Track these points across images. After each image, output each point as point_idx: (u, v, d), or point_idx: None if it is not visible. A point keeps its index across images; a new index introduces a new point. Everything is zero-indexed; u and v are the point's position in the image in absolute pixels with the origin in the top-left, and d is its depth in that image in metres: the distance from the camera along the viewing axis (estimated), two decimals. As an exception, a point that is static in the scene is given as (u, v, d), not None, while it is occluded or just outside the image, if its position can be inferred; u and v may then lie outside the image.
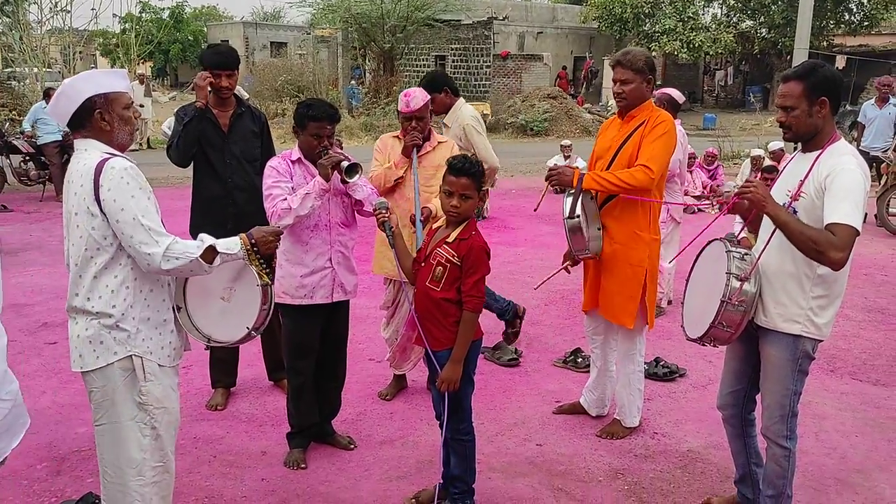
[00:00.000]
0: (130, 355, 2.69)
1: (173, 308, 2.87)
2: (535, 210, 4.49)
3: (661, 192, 4.17)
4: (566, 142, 13.20)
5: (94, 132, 2.71)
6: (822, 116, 3.05)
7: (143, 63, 25.29)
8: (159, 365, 2.76)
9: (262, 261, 2.90)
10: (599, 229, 4.12)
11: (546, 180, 4.12)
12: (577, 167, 4.21)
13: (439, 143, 4.52)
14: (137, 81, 18.54)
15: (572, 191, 3.98)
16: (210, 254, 2.72)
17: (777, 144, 11.10)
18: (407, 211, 4.38)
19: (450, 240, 3.28)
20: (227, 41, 32.85)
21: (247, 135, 4.49)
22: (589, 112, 25.11)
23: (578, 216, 3.95)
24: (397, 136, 4.52)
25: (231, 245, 2.81)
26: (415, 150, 4.35)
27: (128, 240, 2.61)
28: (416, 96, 4.39)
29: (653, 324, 4.25)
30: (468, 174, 3.24)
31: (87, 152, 2.69)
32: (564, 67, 30.81)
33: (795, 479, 3.40)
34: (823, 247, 2.85)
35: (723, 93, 34.79)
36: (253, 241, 2.87)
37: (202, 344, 3.07)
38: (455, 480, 3.47)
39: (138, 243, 2.60)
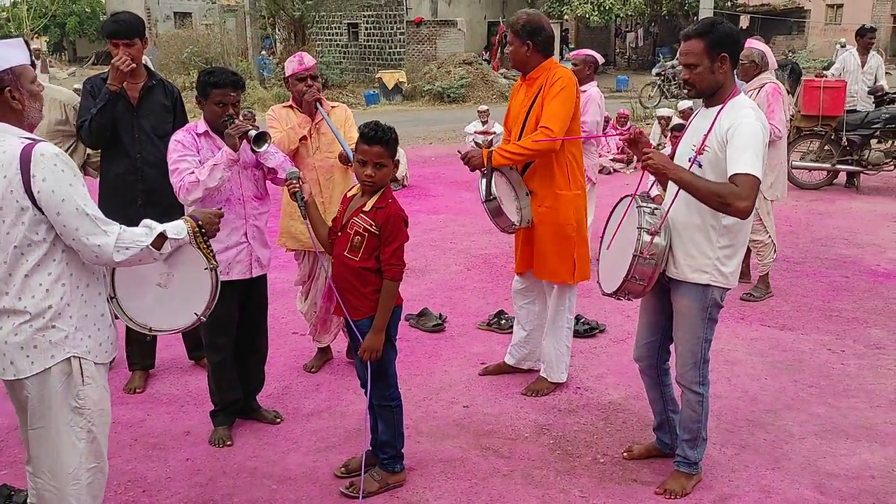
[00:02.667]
0: (69, 357, 2.51)
1: (107, 298, 2.71)
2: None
3: (579, 151, 4.24)
4: (483, 107, 13.19)
5: (2, 113, 2.48)
6: (724, 72, 3.14)
7: (37, 38, 24.04)
8: (96, 364, 2.59)
9: (207, 243, 2.79)
10: (528, 194, 4.19)
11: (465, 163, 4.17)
12: (495, 132, 4.26)
13: (332, 107, 4.51)
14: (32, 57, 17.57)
15: (485, 171, 4.04)
16: (160, 240, 2.56)
17: (686, 104, 11.41)
18: (314, 181, 4.35)
19: (366, 209, 3.25)
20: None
21: (157, 108, 4.30)
22: (504, 77, 25.15)
23: (495, 197, 4.02)
24: (290, 106, 4.47)
25: (179, 229, 2.67)
26: (318, 104, 4.31)
27: (72, 232, 2.41)
28: (307, 55, 4.41)
29: (588, 276, 4.30)
30: (381, 142, 3.20)
31: (0, 137, 2.46)
32: (505, 35, 30.44)
33: (710, 422, 3.56)
34: (728, 198, 2.95)
35: (634, 54, 35.43)
36: (199, 222, 2.75)
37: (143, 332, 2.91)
38: (384, 446, 3.49)
39: (85, 235, 2.41)
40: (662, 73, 20.33)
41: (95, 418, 2.61)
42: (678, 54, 3.26)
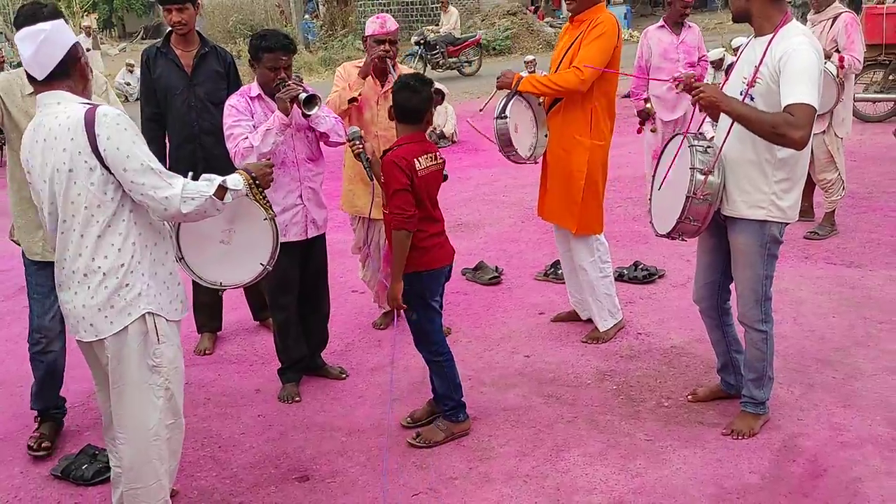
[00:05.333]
0: (144, 314, 2.60)
1: (175, 259, 2.80)
2: (480, 111, 4.56)
3: (610, 103, 4.18)
4: (529, 57, 13.00)
5: (73, 81, 2.59)
6: None
7: (87, 15, 24.45)
8: (168, 321, 2.68)
9: (263, 194, 2.86)
10: (546, 136, 4.18)
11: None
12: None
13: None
14: (84, 34, 17.95)
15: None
16: (221, 191, 2.64)
17: (740, 40, 11.00)
18: (378, 149, 4.28)
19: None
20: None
21: (212, 76, 4.36)
22: (550, 26, 24.65)
23: (506, 117, 4.02)
24: (359, 66, 4.38)
25: (237, 181, 2.73)
26: (392, 70, 4.17)
27: (139, 188, 2.49)
28: (391, 18, 4.30)
29: (600, 229, 4.30)
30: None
31: (62, 105, 2.54)
32: None
33: (776, 363, 3.51)
34: (783, 128, 2.87)
35: (683, -7, 34.27)
36: (253, 175, 2.82)
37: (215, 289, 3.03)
38: (443, 398, 3.55)
39: (151, 189, 2.49)
40: (421, 41, 17.65)
41: (172, 376, 2.71)
42: None
